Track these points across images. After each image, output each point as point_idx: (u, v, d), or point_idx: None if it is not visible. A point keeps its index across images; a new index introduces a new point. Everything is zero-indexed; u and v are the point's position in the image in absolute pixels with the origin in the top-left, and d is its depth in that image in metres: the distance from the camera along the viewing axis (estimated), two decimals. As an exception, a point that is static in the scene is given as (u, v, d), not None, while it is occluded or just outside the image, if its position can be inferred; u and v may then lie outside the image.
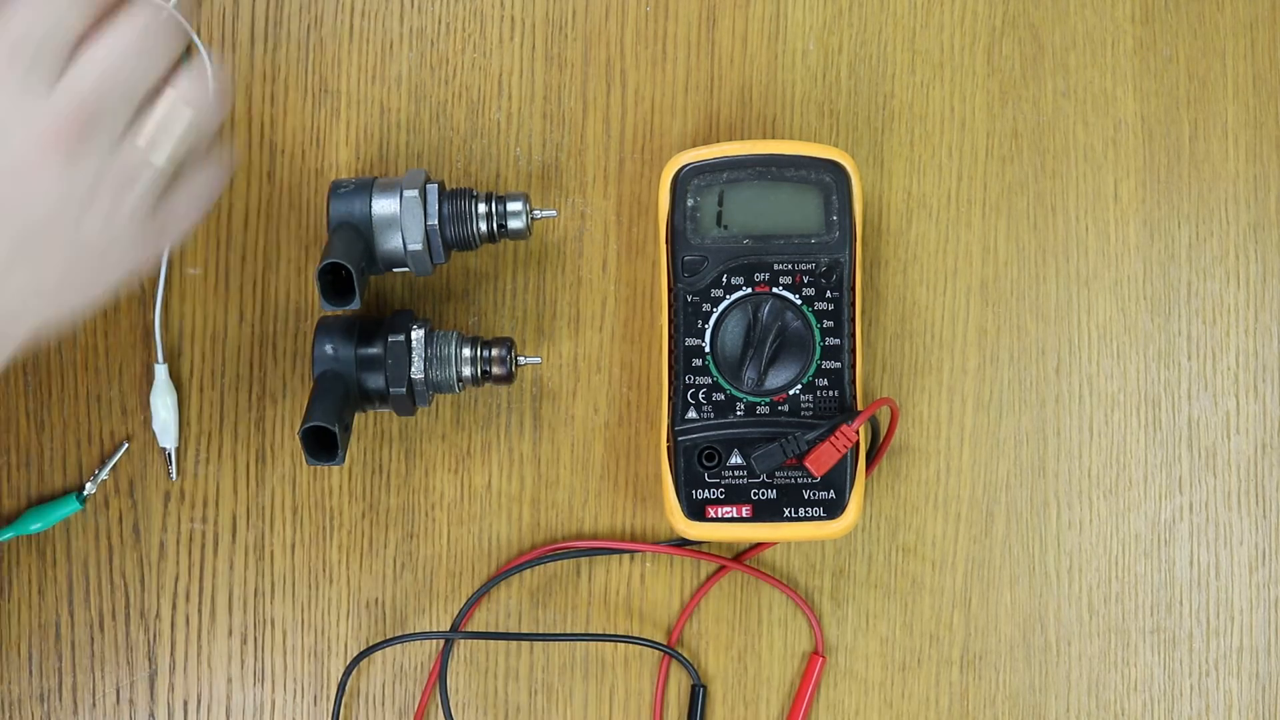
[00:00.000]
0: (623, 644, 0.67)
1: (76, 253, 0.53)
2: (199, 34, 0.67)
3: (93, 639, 0.67)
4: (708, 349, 0.62)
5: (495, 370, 0.63)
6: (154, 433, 0.66)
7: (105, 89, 0.52)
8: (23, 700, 0.67)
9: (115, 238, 0.54)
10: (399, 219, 0.62)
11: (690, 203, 0.63)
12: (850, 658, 0.68)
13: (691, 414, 0.62)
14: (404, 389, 0.62)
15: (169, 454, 0.67)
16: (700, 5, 0.69)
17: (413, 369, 0.62)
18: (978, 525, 0.68)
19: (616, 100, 0.68)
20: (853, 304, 0.63)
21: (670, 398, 0.63)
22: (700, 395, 0.62)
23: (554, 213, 0.64)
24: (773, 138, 0.68)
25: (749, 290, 0.62)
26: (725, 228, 0.63)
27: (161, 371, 0.66)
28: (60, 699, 0.67)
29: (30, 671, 0.67)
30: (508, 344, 0.63)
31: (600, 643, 0.67)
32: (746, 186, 0.63)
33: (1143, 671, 0.68)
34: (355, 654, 0.66)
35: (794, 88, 0.69)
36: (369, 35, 0.68)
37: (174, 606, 0.67)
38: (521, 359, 0.65)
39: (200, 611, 0.67)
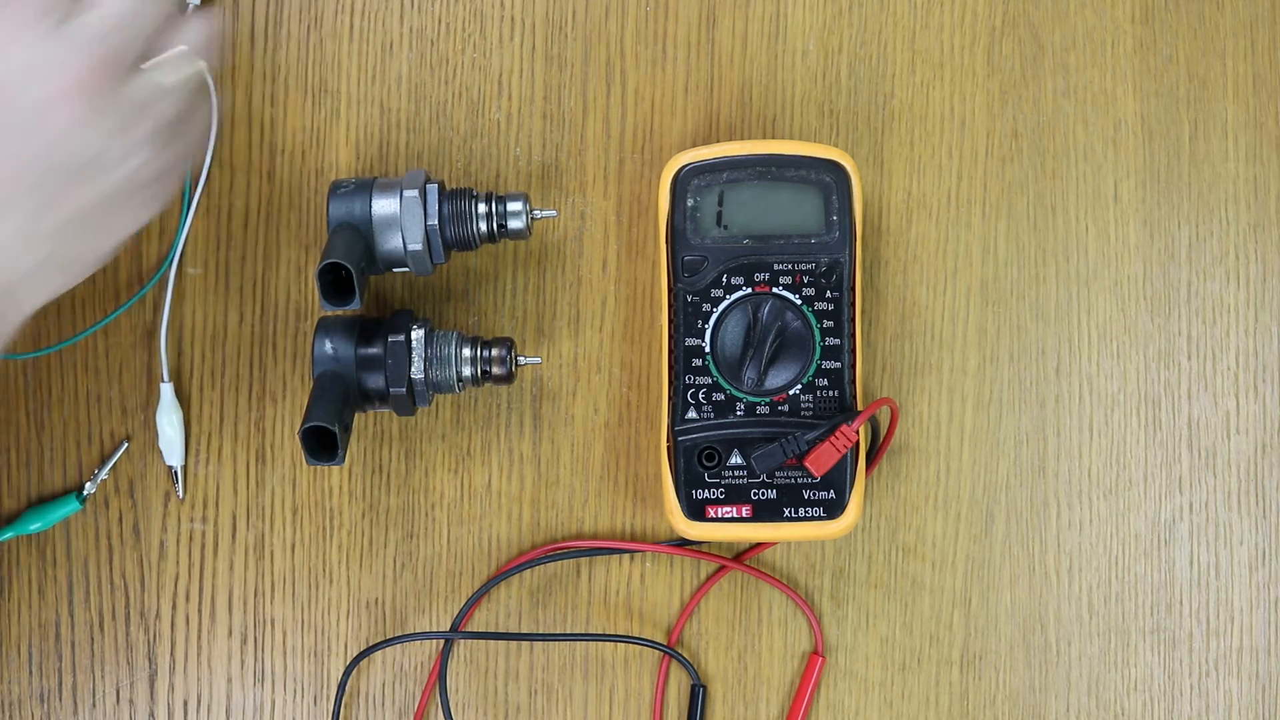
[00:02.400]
0: (623, 644, 0.67)
1: (101, 192, 0.54)
2: None
3: (93, 639, 0.67)
4: (708, 349, 0.62)
5: (495, 370, 0.63)
6: (159, 450, 0.67)
7: (121, 28, 0.53)
8: (23, 700, 0.67)
9: (135, 174, 0.55)
10: (399, 219, 0.62)
11: (690, 203, 0.63)
12: (850, 658, 0.68)
13: (691, 414, 0.62)
14: (404, 389, 0.62)
15: (175, 472, 0.66)
16: (700, 5, 0.69)
17: (413, 369, 0.62)
18: (978, 525, 0.68)
19: (616, 100, 0.68)
20: (853, 304, 0.63)
21: (670, 398, 0.63)
22: (700, 395, 0.62)
23: (554, 213, 0.64)
24: (773, 138, 0.68)
25: (749, 290, 0.62)
26: (725, 228, 0.63)
27: (167, 390, 0.66)
28: (60, 699, 0.67)
29: (30, 671, 0.67)
30: (508, 344, 0.63)
31: (600, 643, 0.67)
32: (746, 186, 0.63)
33: (1143, 671, 0.68)
34: (355, 654, 0.66)
35: (794, 88, 0.69)
36: (369, 35, 0.68)
37: (174, 606, 0.67)
38: (522, 359, 0.64)
39: (200, 611, 0.67)
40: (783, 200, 0.63)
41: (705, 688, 0.67)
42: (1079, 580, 0.68)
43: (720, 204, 0.63)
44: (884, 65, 0.69)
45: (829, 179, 0.63)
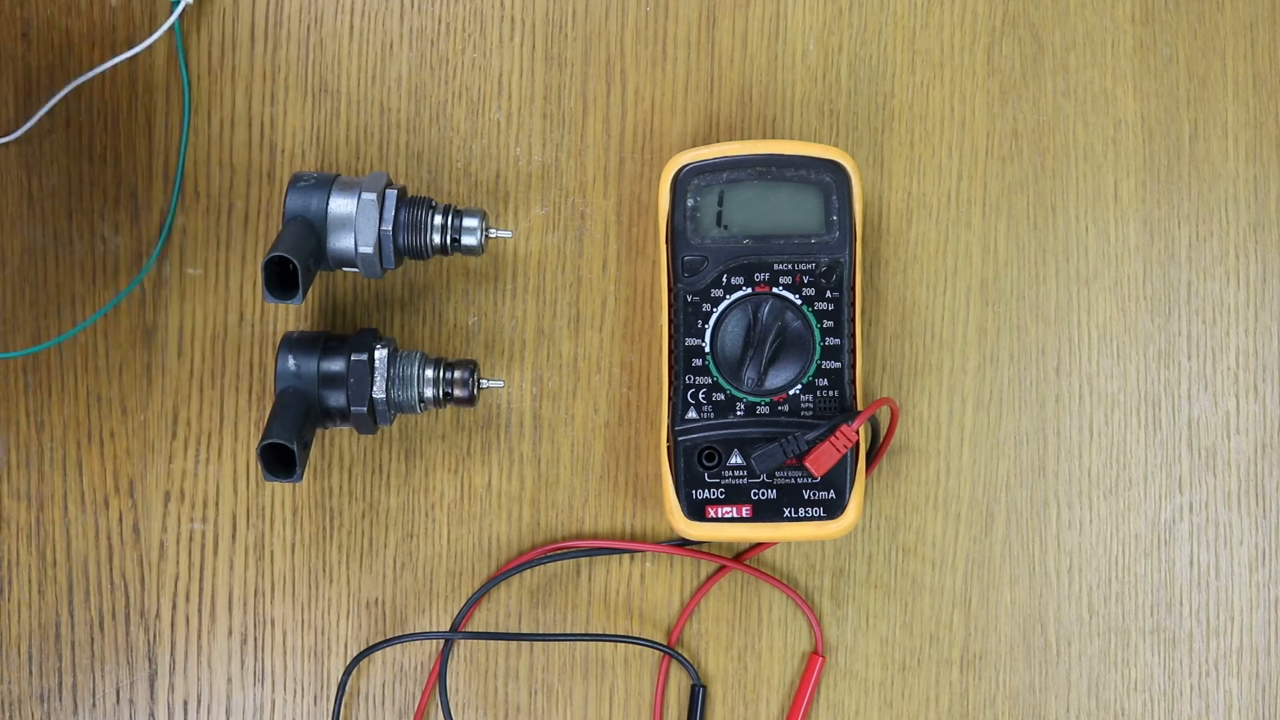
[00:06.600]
0: (623, 644, 0.67)
1: None
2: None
3: (93, 639, 0.67)
4: (708, 349, 0.62)
5: (457, 392, 0.63)
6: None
7: None
8: (23, 700, 0.67)
9: None
10: (354, 220, 0.61)
11: (690, 203, 0.63)
12: (850, 658, 0.67)
13: (691, 414, 0.62)
14: (365, 408, 0.61)
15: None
16: (700, 5, 0.69)
17: (374, 388, 0.62)
18: (978, 525, 0.68)
19: (616, 100, 0.68)
20: (853, 304, 0.63)
21: (670, 398, 0.63)
22: (700, 395, 0.62)
23: (509, 233, 0.64)
24: (773, 138, 0.68)
25: (749, 290, 0.62)
26: (725, 228, 0.63)
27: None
28: (60, 699, 0.67)
29: (30, 671, 0.67)
30: (470, 366, 0.63)
31: (600, 643, 0.67)
32: (746, 186, 0.63)
33: (1143, 671, 0.68)
34: (355, 654, 0.66)
35: (794, 88, 0.69)
36: (369, 35, 0.68)
37: (174, 606, 0.67)
38: (484, 381, 0.64)
39: (200, 611, 0.67)
40: (783, 200, 0.63)
41: (705, 688, 0.67)
42: (1079, 580, 0.68)
43: (720, 204, 0.63)
44: (884, 65, 0.69)
45: (829, 179, 0.63)
